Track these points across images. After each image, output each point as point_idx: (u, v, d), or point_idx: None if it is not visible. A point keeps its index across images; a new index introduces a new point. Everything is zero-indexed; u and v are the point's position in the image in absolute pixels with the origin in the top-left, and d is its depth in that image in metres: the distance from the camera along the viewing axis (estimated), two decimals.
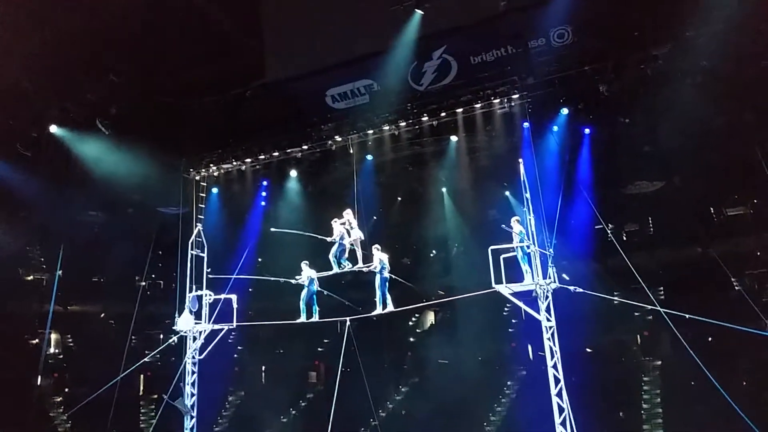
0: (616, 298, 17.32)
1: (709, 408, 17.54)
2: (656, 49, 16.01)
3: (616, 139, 18.91)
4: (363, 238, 16.13)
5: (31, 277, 25.75)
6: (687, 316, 14.84)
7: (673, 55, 15.89)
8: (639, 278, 15.61)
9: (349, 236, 16.01)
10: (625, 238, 21.89)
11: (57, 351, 26.21)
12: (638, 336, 22.58)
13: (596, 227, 19.50)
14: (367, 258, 16.15)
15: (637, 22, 15.87)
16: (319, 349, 27.24)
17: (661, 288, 20.56)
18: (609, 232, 17.71)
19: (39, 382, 23.24)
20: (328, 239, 16.11)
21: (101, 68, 18.72)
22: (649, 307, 16.08)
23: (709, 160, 18.26)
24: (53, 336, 25.14)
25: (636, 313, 21.37)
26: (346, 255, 16.18)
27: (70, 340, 26.71)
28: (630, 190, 21.17)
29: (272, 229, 18.56)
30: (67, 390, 25.33)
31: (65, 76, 18.61)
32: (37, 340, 24.86)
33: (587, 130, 18.56)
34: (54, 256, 23.37)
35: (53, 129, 19.32)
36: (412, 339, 27.36)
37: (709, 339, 18.71)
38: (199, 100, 19.85)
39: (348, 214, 16.19)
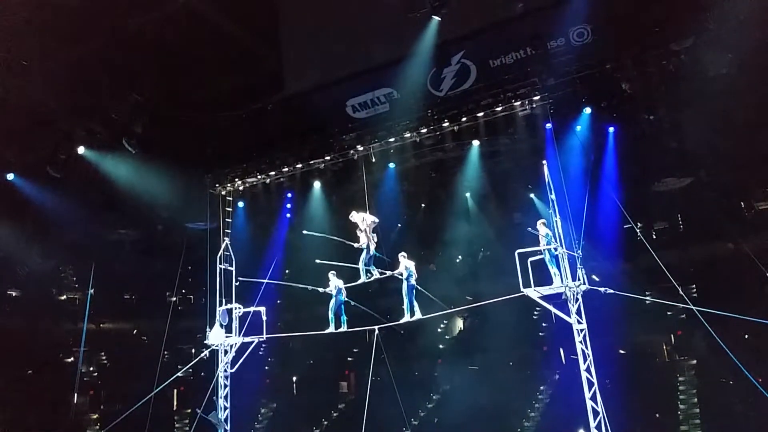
0: (647, 298, 17.06)
1: (749, 407, 17.21)
2: (678, 44, 15.79)
3: (641, 137, 18.65)
4: (376, 220, 16.37)
5: (64, 296, 26.28)
6: (721, 313, 14.54)
7: (695, 49, 15.65)
8: (670, 277, 15.33)
9: (369, 239, 16.10)
10: (654, 237, 21.63)
11: (91, 369, 26.60)
12: (672, 335, 22.22)
13: (625, 226, 19.24)
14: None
15: (657, 17, 15.67)
16: (349, 358, 27.29)
17: (694, 286, 20.24)
18: (638, 231, 17.46)
19: (75, 400, 23.62)
20: (355, 245, 16.21)
21: (125, 88, 19.04)
22: (682, 305, 15.79)
23: (736, 154, 17.96)
24: (87, 354, 25.46)
25: (669, 313, 21.05)
26: (373, 262, 16.30)
27: (104, 357, 27.10)
28: (657, 187, 20.88)
29: (304, 231, 18.73)
30: (102, 407, 25.73)
31: (90, 97, 18.97)
32: (71, 359, 25.30)
33: (611, 129, 18.32)
34: (86, 275, 23.83)
35: (81, 150, 19.68)
36: (441, 346, 27.24)
37: (746, 336, 18.35)
38: (222, 116, 20.06)
39: (353, 217, 16.37)
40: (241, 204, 21.84)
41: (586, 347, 13.89)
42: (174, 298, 24.30)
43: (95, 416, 25.40)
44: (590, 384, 13.70)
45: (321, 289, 17.15)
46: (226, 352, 18.79)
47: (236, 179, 20.81)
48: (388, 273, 16.22)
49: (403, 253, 16.34)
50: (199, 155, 20.38)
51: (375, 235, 16.39)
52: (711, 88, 15.97)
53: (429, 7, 15.72)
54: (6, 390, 23.57)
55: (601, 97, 17.23)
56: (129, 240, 25.37)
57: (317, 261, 17.36)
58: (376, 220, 16.44)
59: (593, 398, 13.61)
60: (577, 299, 14.05)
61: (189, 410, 25.26)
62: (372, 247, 16.16)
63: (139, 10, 16.77)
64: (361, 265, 16.23)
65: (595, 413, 13.52)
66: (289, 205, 22.77)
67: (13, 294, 24.81)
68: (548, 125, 16.90)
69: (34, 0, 15.24)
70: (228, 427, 18.34)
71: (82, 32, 16.85)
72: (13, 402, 23.32)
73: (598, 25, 15.90)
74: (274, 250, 23.19)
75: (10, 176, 20.12)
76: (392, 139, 18.82)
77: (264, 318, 18.27)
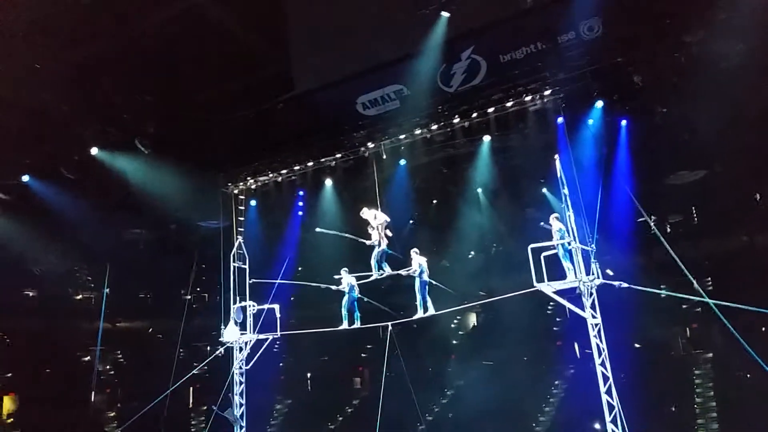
0: (662, 292, 16.95)
1: (766, 400, 17.09)
2: (689, 35, 15.62)
3: (654, 130, 18.49)
4: (388, 219, 16.43)
5: (80, 296, 26.54)
6: (737, 306, 14.40)
7: (707, 41, 15.48)
8: (685, 270, 15.22)
9: (381, 236, 16.16)
10: (669, 230, 21.50)
11: (108, 367, 26.87)
12: (687, 329, 22.12)
13: (639, 220, 19.13)
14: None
15: (669, 9, 15.51)
16: (363, 355, 27.44)
17: (709, 279, 20.08)
18: (652, 224, 17.35)
19: (93, 398, 23.87)
20: (367, 242, 16.29)
21: (136, 88, 19.14)
22: (697, 299, 15.67)
23: (751, 145, 17.75)
24: (104, 353, 25.70)
25: (684, 306, 20.92)
26: (386, 257, 16.38)
27: (120, 356, 27.35)
28: (671, 180, 20.68)
29: (317, 229, 18.86)
30: (119, 405, 25.98)
31: (102, 98, 19.06)
32: (88, 357, 25.56)
33: (624, 122, 18.17)
34: (101, 275, 24.07)
35: (94, 151, 19.81)
36: (454, 341, 27.26)
37: (763, 329, 18.21)
38: (233, 115, 20.12)
39: (364, 213, 16.41)
40: (253, 202, 21.90)
41: (601, 341, 13.84)
42: (188, 297, 24.48)
43: (113, 414, 25.68)
44: (605, 378, 13.66)
45: (334, 287, 17.23)
46: (240, 349, 18.93)
47: (248, 178, 20.90)
48: (402, 272, 16.27)
49: (416, 250, 16.38)
50: (211, 154, 20.44)
51: (388, 230, 16.45)
52: (724, 79, 15.76)
53: (438, 2, 15.66)
54: (24, 389, 23.92)
55: (613, 90, 17.07)
56: (143, 239, 25.54)
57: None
58: (388, 219, 16.47)
59: (608, 392, 13.57)
60: (591, 294, 14.01)
61: (205, 407, 25.40)
62: (384, 244, 16.21)
63: (149, 10, 16.85)
64: (373, 262, 16.33)
65: (611, 407, 13.49)
66: (300, 203, 22.82)
67: (30, 294, 25.12)
68: (560, 119, 16.79)
69: (42, 1, 15.36)
70: (243, 424, 18.48)
71: (93, 33, 16.95)
72: (32, 401, 23.64)
73: (609, 18, 15.72)
74: (286, 247, 23.27)
75: (25, 178, 20.33)
76: (403, 136, 18.81)
77: (278, 315, 18.42)
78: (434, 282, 16.17)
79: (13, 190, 20.54)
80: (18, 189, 20.38)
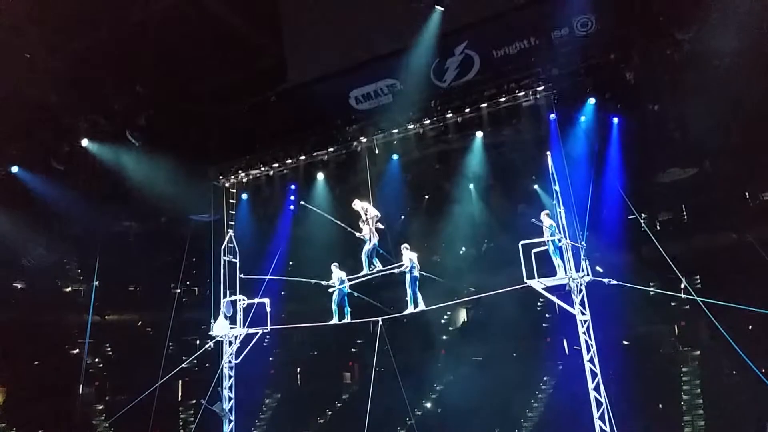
0: (651, 289, 17.01)
1: (752, 398, 17.20)
2: (682, 33, 15.67)
3: (646, 127, 18.55)
4: (380, 215, 16.34)
5: (69, 288, 26.38)
6: (725, 304, 14.48)
7: (699, 38, 15.53)
8: (674, 268, 15.28)
9: (371, 231, 16.11)
10: (658, 228, 21.52)
11: (97, 360, 26.74)
12: (676, 326, 22.19)
13: (629, 217, 19.20)
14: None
15: (662, 6, 15.58)
16: (353, 349, 27.39)
17: (698, 277, 20.17)
18: (642, 221, 17.41)
19: (81, 391, 23.77)
20: (357, 234, 16.22)
21: (127, 80, 19.02)
22: (686, 296, 15.74)
23: (742, 144, 17.84)
24: (92, 345, 25.56)
25: (672, 303, 20.98)
26: (376, 254, 16.32)
27: (109, 349, 27.22)
28: (662, 178, 20.77)
29: (302, 202, 18.83)
30: (107, 398, 25.85)
31: (93, 89, 18.99)
32: (77, 350, 25.42)
33: (615, 119, 18.23)
34: (90, 267, 23.88)
35: (84, 142, 19.70)
36: (444, 337, 27.28)
37: (749, 327, 18.30)
38: (225, 108, 20.05)
39: (356, 205, 16.37)
40: (244, 196, 21.82)
41: (590, 338, 13.85)
42: (178, 290, 24.37)
43: (101, 407, 25.56)
44: (593, 375, 13.69)
45: (324, 282, 17.18)
46: (230, 343, 18.84)
47: (240, 171, 20.79)
48: (394, 268, 16.21)
49: (406, 245, 16.32)
50: (202, 147, 20.38)
51: (379, 224, 16.39)
52: (716, 77, 15.85)
53: None
54: (12, 381, 23.78)
55: (606, 87, 17.13)
56: (133, 232, 25.43)
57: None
58: (379, 215, 16.40)
59: (596, 389, 13.59)
60: (580, 290, 14.00)
61: (194, 401, 25.37)
62: (375, 239, 16.16)
63: (142, 2, 16.76)
64: (363, 256, 16.25)
65: (599, 404, 13.52)
66: (292, 197, 22.74)
67: (19, 286, 24.93)
68: (552, 116, 16.82)
69: None
70: (232, 418, 18.43)
71: (84, 25, 16.86)
72: (20, 393, 23.50)
73: (602, 15, 15.79)
74: (277, 241, 23.20)
75: (15, 169, 20.17)
76: (395, 131, 18.78)
77: (268, 309, 18.31)
78: (424, 273, 16.11)
79: (2, 181, 20.35)
80: (6, 179, 20.18)
